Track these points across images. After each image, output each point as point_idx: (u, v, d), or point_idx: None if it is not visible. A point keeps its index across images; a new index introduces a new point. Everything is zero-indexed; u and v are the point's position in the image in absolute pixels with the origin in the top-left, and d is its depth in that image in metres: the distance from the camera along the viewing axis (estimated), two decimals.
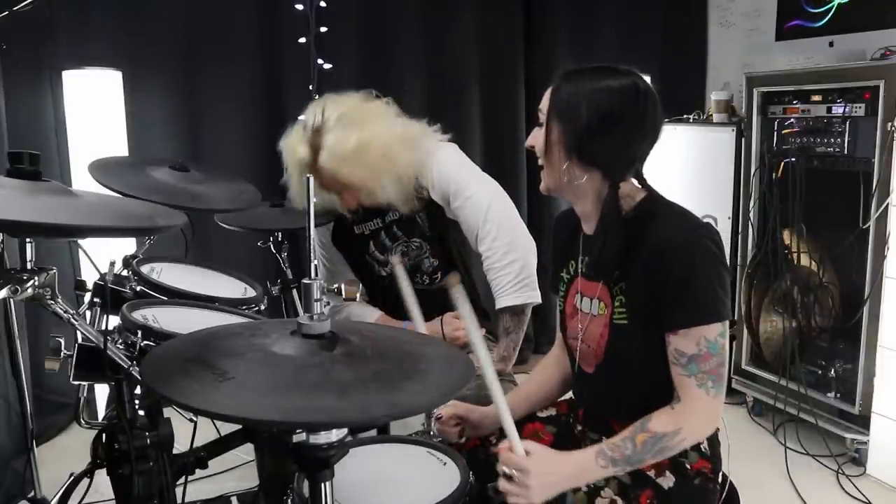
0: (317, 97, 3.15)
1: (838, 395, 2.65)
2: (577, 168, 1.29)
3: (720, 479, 1.39)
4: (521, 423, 1.53)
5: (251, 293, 1.77)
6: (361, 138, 1.86)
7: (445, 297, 2.12)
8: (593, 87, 1.28)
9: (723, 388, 1.26)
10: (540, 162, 1.35)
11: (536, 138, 1.34)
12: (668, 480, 1.31)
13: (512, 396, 1.56)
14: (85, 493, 1.27)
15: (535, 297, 1.94)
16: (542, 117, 1.32)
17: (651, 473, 1.31)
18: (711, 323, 1.23)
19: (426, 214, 2.05)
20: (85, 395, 1.70)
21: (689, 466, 1.33)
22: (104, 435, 1.18)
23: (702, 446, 1.35)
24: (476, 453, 1.51)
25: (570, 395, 1.59)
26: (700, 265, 1.23)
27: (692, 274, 1.22)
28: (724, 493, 1.40)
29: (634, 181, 1.35)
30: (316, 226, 1.14)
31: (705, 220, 3.06)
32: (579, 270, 1.41)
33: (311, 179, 1.06)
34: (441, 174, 1.96)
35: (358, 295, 1.77)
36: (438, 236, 2.09)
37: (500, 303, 1.93)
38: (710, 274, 1.23)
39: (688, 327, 1.24)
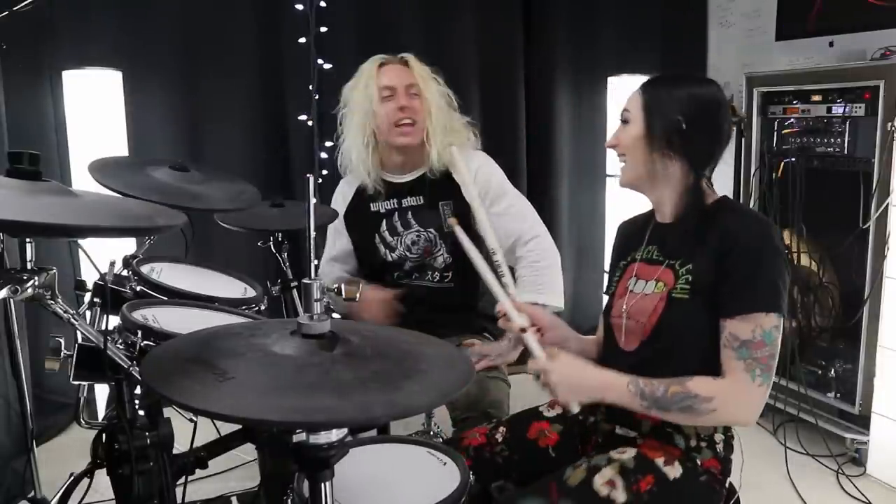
0: (317, 97, 3.18)
1: (838, 395, 2.65)
2: (668, 157, 1.39)
3: (727, 486, 1.40)
4: (528, 422, 1.57)
5: (251, 293, 1.77)
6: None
7: (457, 295, 2.15)
8: (686, 91, 1.39)
9: (769, 380, 1.29)
10: (623, 158, 1.45)
11: (621, 137, 1.44)
12: (674, 471, 1.32)
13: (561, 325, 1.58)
14: (85, 493, 1.27)
15: (558, 301, 2.04)
16: (630, 115, 1.42)
17: (659, 462, 1.33)
18: (770, 312, 1.28)
19: (452, 208, 2.08)
20: (85, 395, 1.70)
21: (699, 462, 1.34)
22: (104, 435, 1.17)
23: (717, 446, 1.36)
24: (482, 452, 1.52)
25: None
26: (768, 257, 1.29)
27: (759, 263, 1.29)
28: (725, 492, 1.40)
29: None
30: (317, 227, 1.14)
31: None
32: (640, 257, 1.48)
33: (312, 179, 1.06)
34: (482, 172, 2.09)
35: (358, 295, 1.77)
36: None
37: (534, 298, 1.98)
38: (775, 267, 1.29)
39: (746, 313, 1.28)
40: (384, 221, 2.13)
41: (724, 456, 1.37)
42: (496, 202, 2.07)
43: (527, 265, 2.04)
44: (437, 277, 2.14)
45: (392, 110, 2.03)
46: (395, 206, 2.13)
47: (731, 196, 2.94)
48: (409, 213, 2.12)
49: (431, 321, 2.06)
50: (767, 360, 1.28)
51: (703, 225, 1.36)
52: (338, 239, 2.25)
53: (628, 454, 1.35)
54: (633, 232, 1.56)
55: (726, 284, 1.30)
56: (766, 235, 1.32)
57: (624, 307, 1.44)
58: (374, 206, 2.15)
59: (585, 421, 1.52)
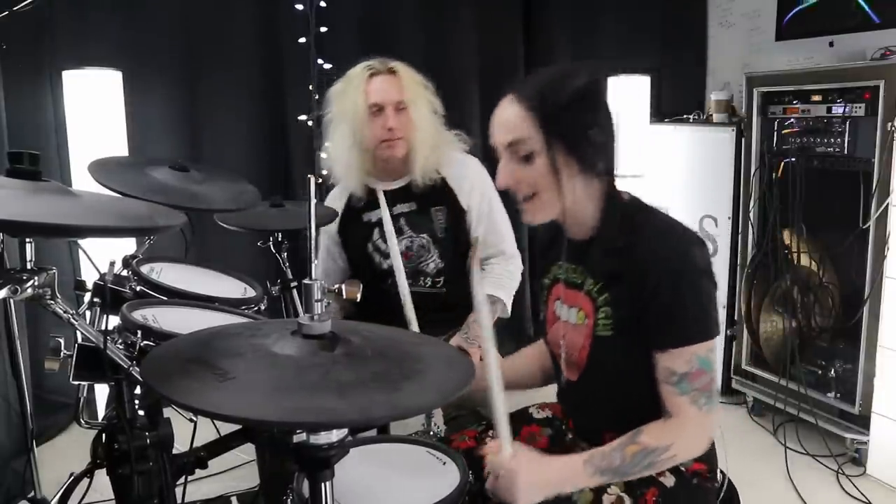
0: (317, 97, 3.18)
1: (838, 395, 2.65)
2: (585, 173, 1.25)
3: (719, 477, 1.40)
4: (517, 425, 1.52)
5: (251, 293, 1.77)
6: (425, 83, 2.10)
7: (447, 300, 2.14)
8: (571, 85, 1.22)
9: (715, 402, 1.24)
10: (532, 197, 1.27)
11: (521, 176, 1.25)
12: (668, 480, 1.32)
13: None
14: (85, 493, 1.27)
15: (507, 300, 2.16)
16: (527, 146, 1.23)
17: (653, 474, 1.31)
18: (703, 342, 1.21)
19: (445, 213, 2.08)
20: (85, 395, 1.69)
21: (684, 469, 1.33)
22: (104, 435, 1.17)
23: None
24: (471, 454, 1.49)
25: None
26: (689, 283, 1.21)
27: (681, 292, 1.20)
28: (724, 492, 1.40)
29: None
30: (318, 226, 1.14)
31: (705, 219, 3.07)
32: (561, 276, 1.40)
33: (312, 179, 1.06)
34: (475, 191, 2.12)
35: (358, 296, 1.77)
36: (453, 238, 2.10)
37: (494, 292, 2.12)
38: (699, 291, 1.21)
39: (679, 347, 1.22)
40: (376, 230, 2.14)
41: (706, 455, 1.35)
42: (483, 219, 2.14)
43: (498, 264, 2.17)
44: (430, 283, 2.14)
45: (379, 128, 2.01)
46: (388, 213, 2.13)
47: (730, 197, 2.98)
48: (402, 219, 2.13)
49: (426, 323, 2.07)
50: (709, 385, 1.22)
51: (617, 246, 1.24)
52: (326, 260, 2.25)
53: None
54: (548, 243, 1.46)
55: (651, 316, 1.21)
56: (684, 255, 1.21)
57: (561, 341, 1.38)
58: (365, 217, 2.15)
59: (566, 435, 1.50)
